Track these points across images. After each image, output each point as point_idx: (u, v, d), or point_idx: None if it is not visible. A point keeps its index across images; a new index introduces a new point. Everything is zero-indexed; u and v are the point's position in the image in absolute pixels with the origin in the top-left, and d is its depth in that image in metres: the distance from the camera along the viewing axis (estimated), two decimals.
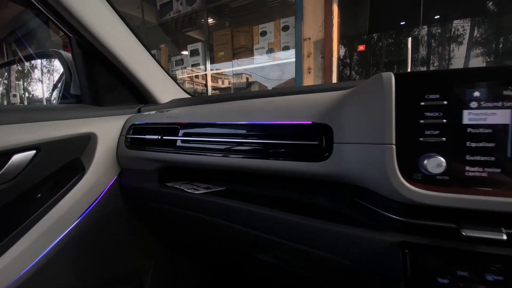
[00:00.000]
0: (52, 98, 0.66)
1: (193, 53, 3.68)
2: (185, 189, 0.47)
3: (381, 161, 0.30)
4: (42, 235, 0.44)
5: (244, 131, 0.42)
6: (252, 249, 0.46)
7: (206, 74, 3.63)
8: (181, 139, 0.47)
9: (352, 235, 0.33)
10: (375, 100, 0.31)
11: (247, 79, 3.70)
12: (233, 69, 3.58)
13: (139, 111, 0.61)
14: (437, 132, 0.29)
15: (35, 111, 0.48)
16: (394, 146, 0.29)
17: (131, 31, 0.58)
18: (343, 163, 0.33)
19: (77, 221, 0.49)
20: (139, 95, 0.65)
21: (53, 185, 0.46)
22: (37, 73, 0.64)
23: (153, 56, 0.64)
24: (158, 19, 3.86)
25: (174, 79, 0.68)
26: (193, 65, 3.71)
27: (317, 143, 0.36)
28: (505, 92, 0.27)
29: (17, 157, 0.41)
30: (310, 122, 0.37)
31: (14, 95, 0.75)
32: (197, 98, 0.67)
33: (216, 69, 3.56)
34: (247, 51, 3.42)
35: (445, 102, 0.29)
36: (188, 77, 3.68)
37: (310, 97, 0.40)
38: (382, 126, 0.30)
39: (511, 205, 0.26)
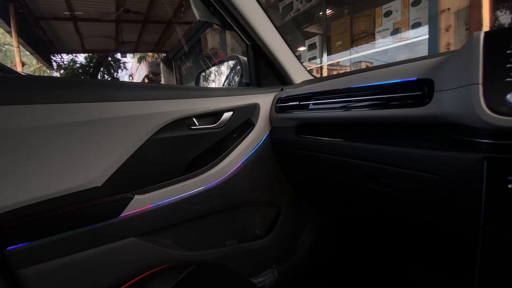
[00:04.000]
0: (232, 84, 1.07)
1: (311, 47, 3.87)
2: (314, 137, 0.70)
3: (470, 98, 0.40)
4: (234, 158, 0.79)
5: (361, 92, 0.59)
6: (365, 179, 0.63)
7: (321, 67, 3.76)
8: (312, 103, 0.70)
9: (446, 156, 0.45)
10: (467, 53, 0.42)
11: (367, 66, 3.55)
12: (350, 57, 3.52)
13: (282, 89, 0.91)
14: None
15: (230, 90, 0.85)
16: (481, 85, 0.40)
17: (277, 31, 0.88)
18: (442, 105, 0.45)
19: (248, 155, 0.82)
20: (282, 79, 0.94)
21: (240, 131, 0.81)
22: (223, 71, 1.08)
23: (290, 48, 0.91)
24: (280, 21, 4.28)
25: (304, 66, 0.94)
26: (310, 59, 3.91)
27: (420, 93, 0.49)
28: None
29: (225, 114, 0.77)
30: (415, 79, 0.50)
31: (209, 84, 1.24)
32: (320, 78, 0.89)
33: (333, 61, 3.62)
34: (368, 36, 3.28)
35: None
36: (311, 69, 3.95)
37: (414, 64, 0.53)
38: (471, 70, 0.40)
39: None
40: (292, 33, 4.26)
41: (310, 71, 0.96)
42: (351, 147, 0.62)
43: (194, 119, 0.72)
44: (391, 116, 0.52)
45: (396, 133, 0.55)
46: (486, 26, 2.36)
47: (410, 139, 0.52)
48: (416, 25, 2.87)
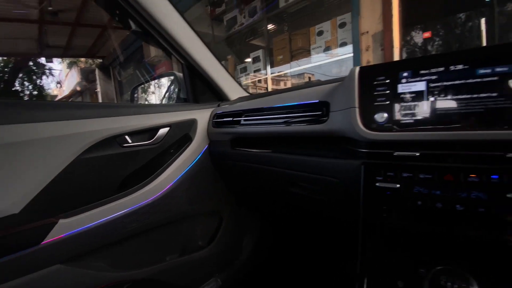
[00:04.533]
0: (170, 100, 1.09)
1: (255, 60, 4.07)
2: (246, 149, 0.78)
3: (351, 117, 0.52)
4: (171, 173, 0.80)
5: (280, 110, 0.69)
6: (288, 184, 0.72)
7: (266, 78, 3.98)
8: (243, 119, 0.78)
9: (339, 163, 0.56)
10: (348, 83, 0.54)
11: (309, 78, 3.92)
12: (290, 70, 3.81)
13: (219, 105, 0.96)
14: (383, 98, 0.50)
15: (167, 106, 0.87)
16: (357, 108, 0.52)
17: (211, 53, 0.94)
18: (335, 122, 0.57)
19: (187, 169, 0.85)
20: (219, 96, 1.01)
21: (177, 146, 0.84)
22: (160, 86, 1.09)
23: (224, 66, 0.98)
24: (225, 33, 4.39)
25: (239, 83, 1.02)
26: (255, 71, 4.10)
27: (320, 113, 0.60)
28: (422, 72, 0.47)
29: (161, 130, 0.79)
30: (318, 101, 0.61)
31: (146, 100, 1.23)
32: (254, 95, 0.98)
33: (279, 72, 3.88)
34: (304, 52, 3.61)
35: (388, 81, 0.50)
36: (252, 82, 4.13)
37: (318, 88, 0.65)
38: (351, 96, 0.52)
39: (424, 136, 0.45)
40: (238, 45, 4.42)
41: (246, 88, 1.05)
42: (276, 157, 0.71)
43: (126, 136, 0.72)
44: (301, 131, 0.63)
45: (308, 144, 0.66)
46: (396, 46, 2.84)
47: (319, 150, 0.64)
48: (343, 44, 3.28)
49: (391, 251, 0.47)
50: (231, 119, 0.81)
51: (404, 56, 2.94)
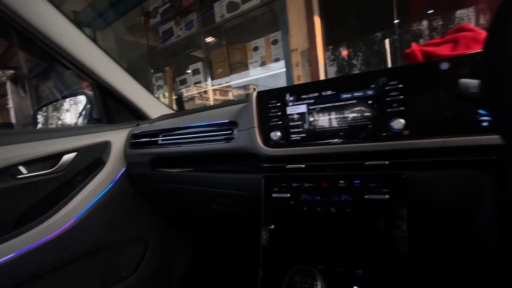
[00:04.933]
0: (81, 121, 1.00)
1: (195, 72, 4.05)
2: (165, 170, 0.77)
3: (253, 136, 0.57)
4: (80, 201, 0.74)
5: (195, 129, 0.71)
6: (208, 201, 0.74)
7: (207, 90, 3.99)
8: (160, 139, 0.77)
9: (247, 178, 0.61)
10: (249, 105, 0.59)
11: (254, 89, 4.07)
12: (233, 82, 3.90)
13: (137, 125, 0.93)
14: (276, 119, 0.56)
15: (74, 129, 0.79)
16: (257, 128, 0.57)
17: (124, 70, 0.91)
18: (241, 140, 0.61)
19: (100, 195, 0.79)
20: (137, 114, 0.97)
21: (87, 172, 0.77)
22: (69, 107, 0.99)
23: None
24: (162, 44, 4.26)
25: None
26: (195, 83, 4.07)
27: (230, 132, 0.64)
28: (303, 96, 0.55)
29: (66, 157, 0.72)
30: (228, 120, 0.65)
31: (51, 123, 1.09)
32: (176, 112, 0.98)
33: (219, 84, 3.92)
34: (243, 66, 3.76)
35: (279, 104, 0.56)
36: (198, 93, 4.08)
37: (230, 108, 0.69)
38: (252, 117, 0.58)
39: (307, 150, 0.53)
40: (177, 57, 4.33)
41: (170, 105, 1.04)
42: (196, 176, 0.72)
43: (21, 167, 0.64)
44: (214, 149, 0.66)
45: (223, 162, 0.69)
46: (321, 63, 3.16)
47: (232, 167, 0.67)
48: (277, 60, 3.51)
49: (286, 252, 0.52)
50: (149, 139, 0.79)
51: (329, 71, 3.33)
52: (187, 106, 4.20)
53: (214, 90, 3.93)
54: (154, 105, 0.99)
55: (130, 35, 4.76)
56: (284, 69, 3.27)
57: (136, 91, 0.93)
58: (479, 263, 0.47)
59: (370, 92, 0.49)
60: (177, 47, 4.18)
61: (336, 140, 0.51)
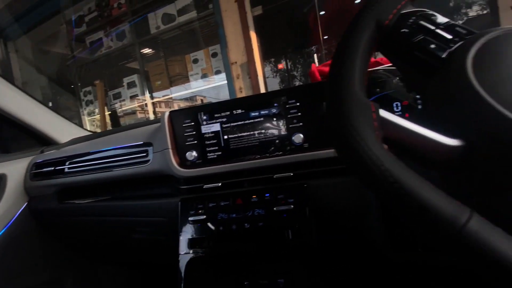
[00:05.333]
0: None
1: (130, 85, 3.79)
2: (75, 202, 0.68)
3: (168, 158, 0.55)
4: None
5: (106, 154, 0.65)
6: (129, 231, 0.68)
7: (152, 103, 3.78)
8: (67, 167, 0.68)
9: (165, 203, 0.58)
10: (162, 126, 0.57)
11: (202, 100, 3.98)
12: (176, 95, 3.77)
13: (42, 152, 0.81)
14: (191, 138, 0.56)
15: None
16: (170, 149, 0.55)
17: (26, 94, 0.79)
18: (157, 162, 0.59)
19: None
20: (42, 140, 0.85)
21: None
22: None
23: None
24: (90, 55, 3.89)
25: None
26: (131, 97, 3.81)
27: (144, 154, 0.61)
28: (216, 115, 0.55)
29: None
30: (142, 142, 0.62)
31: None
32: (88, 135, 0.89)
33: (163, 96, 3.74)
34: (183, 78, 3.67)
35: (193, 123, 0.56)
36: (139, 106, 3.80)
37: (145, 128, 0.66)
38: (165, 139, 0.56)
39: (223, 168, 0.53)
40: (109, 70, 3.99)
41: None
42: (111, 206, 0.66)
43: None
44: (129, 174, 0.61)
45: (140, 187, 0.65)
46: (260, 75, 3.28)
47: (151, 192, 0.64)
48: (218, 72, 3.54)
49: (208, 276, 0.51)
50: (53, 168, 0.70)
51: (272, 82, 3.50)
52: (125, 121, 3.88)
53: (159, 102, 3.74)
54: (63, 127, 0.87)
55: (51, 45, 4.21)
56: (226, 81, 3.31)
57: (39, 113, 0.81)
58: (373, 257, 0.54)
59: (274, 110, 0.52)
60: (109, 59, 3.87)
61: (249, 156, 0.53)
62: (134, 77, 3.75)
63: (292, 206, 0.48)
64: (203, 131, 0.55)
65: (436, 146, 0.21)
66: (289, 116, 0.51)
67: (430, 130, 0.21)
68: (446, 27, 0.25)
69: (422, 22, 0.25)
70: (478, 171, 0.20)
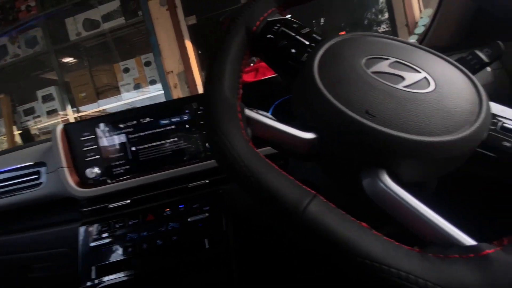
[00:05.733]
0: None
1: (47, 98, 3.30)
2: None
3: (63, 177, 0.48)
4: None
5: None
6: (23, 271, 0.56)
7: (67, 120, 3.32)
8: None
9: (65, 230, 0.50)
10: (55, 142, 0.49)
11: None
12: (99, 108, 3.41)
13: None
14: (92, 153, 0.50)
15: None
16: (65, 168, 0.48)
17: None
18: (51, 185, 0.50)
19: None
20: None
21: None
22: None
23: None
24: None
25: None
26: (49, 112, 3.32)
27: (36, 176, 0.52)
28: (121, 125, 0.51)
29: None
30: (33, 163, 0.53)
31: None
32: None
33: (90, 109, 3.33)
34: (113, 89, 3.36)
35: (93, 136, 0.50)
36: (62, 122, 3.27)
37: (37, 147, 0.56)
38: (58, 156, 0.48)
39: (133, 183, 0.49)
40: (18, 81, 3.38)
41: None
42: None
43: None
44: (19, 201, 0.51)
45: (31, 216, 0.55)
46: (199, 84, 3.23)
47: (49, 219, 0.54)
48: (153, 82, 3.35)
49: None
50: None
51: None
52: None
53: (86, 117, 3.31)
54: None
55: None
56: (162, 91, 3.15)
57: None
58: (289, 251, 0.56)
59: (186, 117, 0.51)
60: (16, 69, 3.30)
61: (161, 167, 0.50)
62: (51, 89, 3.28)
63: (207, 214, 0.47)
64: (105, 144, 0.50)
65: (296, 140, 0.23)
66: (201, 122, 0.50)
67: (289, 126, 0.23)
68: (305, 34, 0.27)
69: (285, 29, 0.27)
70: (328, 159, 0.23)
